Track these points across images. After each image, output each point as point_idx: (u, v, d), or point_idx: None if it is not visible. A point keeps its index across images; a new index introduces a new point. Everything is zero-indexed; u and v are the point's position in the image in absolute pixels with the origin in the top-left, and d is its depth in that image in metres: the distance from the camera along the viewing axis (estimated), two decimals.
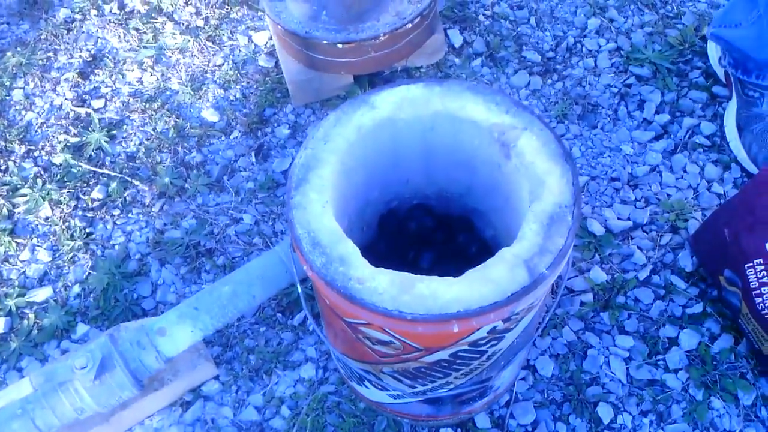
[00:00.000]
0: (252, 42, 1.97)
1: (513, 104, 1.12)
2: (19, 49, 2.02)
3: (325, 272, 0.97)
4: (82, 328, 1.53)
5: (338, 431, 1.37)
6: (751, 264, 1.31)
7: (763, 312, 1.30)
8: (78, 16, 2.08)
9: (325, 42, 1.64)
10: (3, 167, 1.79)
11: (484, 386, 1.23)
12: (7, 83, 1.95)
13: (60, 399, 1.25)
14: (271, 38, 1.94)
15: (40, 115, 1.89)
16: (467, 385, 1.18)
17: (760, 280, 1.29)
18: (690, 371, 1.41)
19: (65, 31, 2.05)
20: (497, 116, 1.11)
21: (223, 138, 1.79)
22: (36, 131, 1.86)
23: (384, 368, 1.14)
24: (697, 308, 1.47)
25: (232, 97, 1.86)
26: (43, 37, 2.05)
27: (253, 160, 1.74)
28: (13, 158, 1.81)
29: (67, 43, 2.02)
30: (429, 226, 1.39)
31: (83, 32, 2.04)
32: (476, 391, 1.24)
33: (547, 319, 1.22)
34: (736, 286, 1.37)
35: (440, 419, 1.35)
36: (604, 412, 1.37)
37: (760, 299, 1.29)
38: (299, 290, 1.16)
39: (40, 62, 1.99)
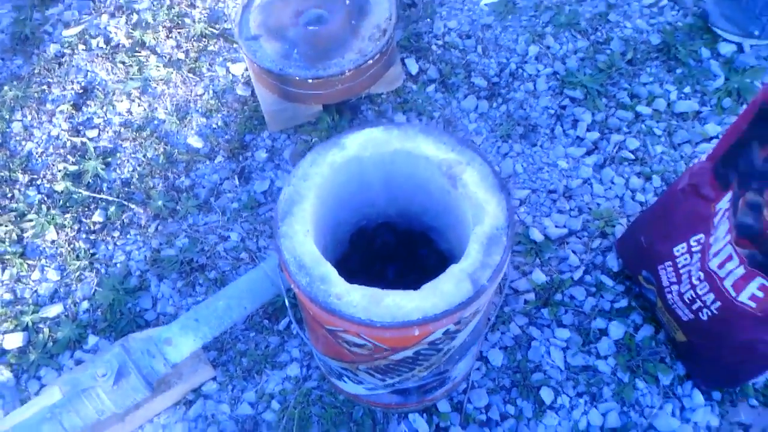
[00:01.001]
0: (230, 72, 2.18)
1: (458, 143, 1.35)
2: (15, 83, 2.20)
3: (309, 290, 1.19)
4: (92, 339, 1.74)
5: (322, 420, 1.60)
6: (663, 266, 1.56)
7: (673, 306, 1.55)
8: (67, 51, 2.27)
9: (297, 78, 1.86)
10: (9, 195, 1.98)
11: (443, 377, 1.47)
12: (7, 116, 2.13)
13: (84, 403, 1.46)
14: (246, 69, 2.15)
15: (39, 145, 2.08)
16: (429, 377, 1.42)
17: (669, 280, 1.55)
18: (618, 357, 1.67)
19: (56, 66, 2.24)
20: (445, 153, 1.34)
21: (208, 163, 2.00)
22: (37, 160, 2.05)
23: (359, 366, 1.37)
24: (623, 303, 1.73)
25: (214, 125, 2.07)
26: (36, 71, 2.23)
27: (236, 182, 1.96)
28: (17, 186, 2.00)
29: (59, 77, 2.21)
30: (393, 241, 1.63)
31: (73, 66, 2.23)
32: (437, 381, 1.48)
33: (494, 316, 1.46)
34: (652, 284, 1.62)
35: (408, 406, 1.59)
36: (546, 394, 1.62)
37: (671, 295, 1.55)
38: (286, 301, 1.39)
39: (36, 95, 2.17)
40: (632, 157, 1.96)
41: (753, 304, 1.33)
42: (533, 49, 2.17)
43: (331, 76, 1.87)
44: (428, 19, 2.26)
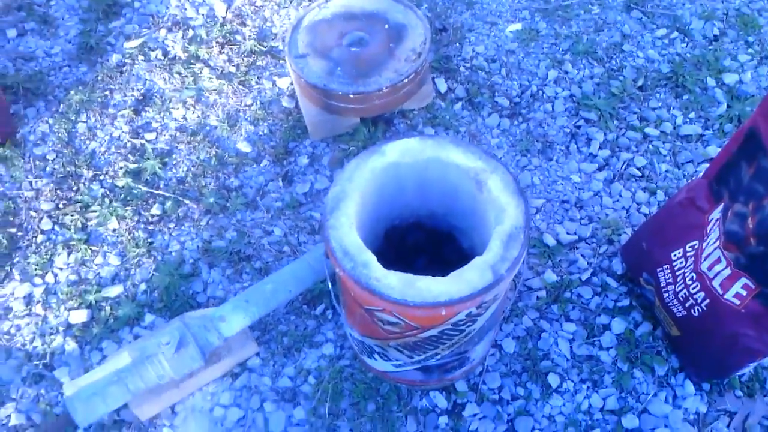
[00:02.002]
0: (276, 86, 2.40)
1: (484, 153, 1.56)
2: (80, 88, 2.43)
3: (353, 273, 1.40)
4: (149, 317, 1.95)
5: (353, 394, 1.81)
6: (661, 269, 1.76)
7: (669, 303, 1.75)
8: (128, 61, 2.50)
9: (339, 93, 2.08)
10: (75, 188, 2.21)
11: (463, 357, 1.67)
12: (73, 117, 2.36)
13: (147, 368, 1.67)
14: (291, 84, 2.37)
15: (102, 145, 2.30)
16: (450, 356, 1.62)
17: (666, 281, 1.74)
18: (618, 349, 1.86)
19: (118, 74, 2.47)
20: (473, 162, 1.55)
21: (255, 166, 2.22)
22: (100, 158, 2.27)
23: (390, 343, 1.58)
24: (625, 302, 1.93)
25: (261, 132, 2.29)
26: (99, 78, 2.46)
27: (280, 184, 2.18)
28: (83, 181, 2.22)
29: (121, 84, 2.44)
30: (422, 239, 1.84)
31: (134, 75, 2.47)
32: (457, 361, 1.68)
33: (509, 309, 1.66)
34: (651, 285, 1.82)
35: (430, 384, 1.79)
36: (553, 379, 1.82)
37: (667, 294, 1.75)
38: (329, 287, 1.60)
39: (99, 100, 2.41)
40: (639, 173, 2.16)
41: (737, 302, 1.53)
42: (552, 74, 2.39)
43: (369, 92, 2.08)
44: (457, 44, 2.48)
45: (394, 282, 1.39)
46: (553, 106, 2.32)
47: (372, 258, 1.42)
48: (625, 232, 2.04)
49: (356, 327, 1.65)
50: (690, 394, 1.79)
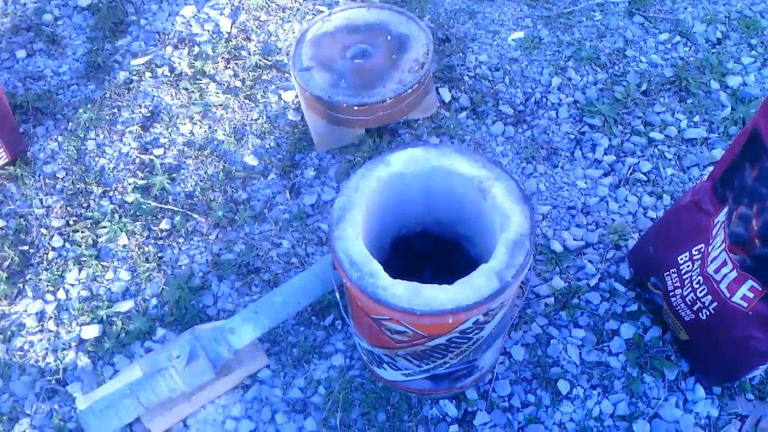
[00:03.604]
0: (281, 99, 2.42)
1: (488, 161, 1.57)
2: (88, 106, 2.46)
3: (360, 283, 1.41)
4: (160, 331, 1.97)
5: (363, 404, 1.81)
6: (668, 273, 1.76)
7: (677, 307, 1.75)
8: (135, 78, 2.53)
9: (344, 104, 2.10)
10: (85, 205, 2.23)
11: (472, 365, 1.68)
12: (82, 135, 2.39)
13: (159, 382, 1.69)
14: (297, 97, 2.39)
15: (111, 161, 2.33)
16: (459, 364, 1.63)
17: (674, 285, 1.75)
18: (628, 355, 1.86)
19: (126, 91, 2.50)
20: (477, 170, 1.56)
21: (262, 179, 2.24)
22: (109, 175, 2.30)
23: (399, 352, 1.59)
24: (634, 307, 1.93)
25: (268, 146, 2.31)
26: (107, 95, 2.49)
27: (288, 196, 2.20)
28: (92, 197, 2.24)
29: (129, 101, 2.47)
30: (428, 247, 1.85)
31: (141, 91, 2.49)
32: (466, 369, 1.69)
33: (517, 316, 1.67)
34: (659, 289, 1.82)
35: (440, 392, 1.80)
36: (563, 386, 1.82)
37: (675, 298, 1.75)
38: (337, 297, 1.61)
39: (107, 117, 2.43)
40: (645, 178, 2.17)
41: (744, 304, 1.53)
42: (556, 81, 2.40)
43: (374, 103, 2.10)
44: (461, 53, 2.50)
45: (401, 291, 1.40)
46: (557, 113, 2.33)
47: (378, 267, 1.44)
48: (632, 237, 2.04)
49: (365, 337, 1.66)
50: (701, 398, 1.78)
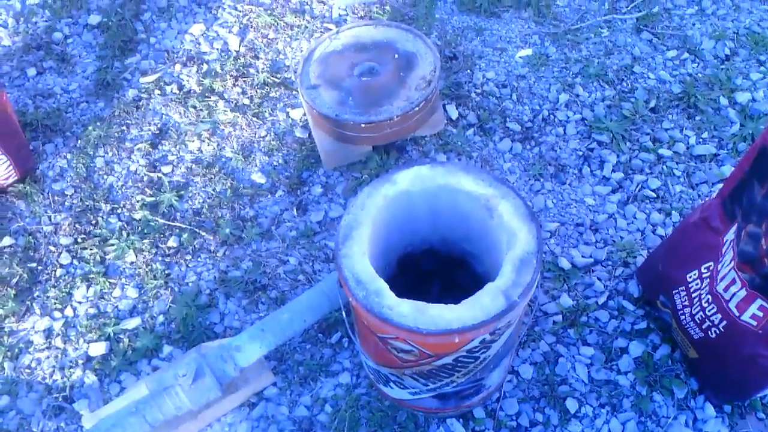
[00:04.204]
0: (289, 117, 2.43)
1: (494, 179, 1.56)
2: (98, 123, 2.47)
3: (366, 302, 1.41)
4: (167, 349, 1.96)
5: (370, 423, 1.80)
6: (677, 290, 1.75)
7: (686, 325, 1.73)
8: (144, 96, 2.54)
9: (351, 122, 2.10)
10: (93, 222, 2.24)
11: (479, 384, 1.66)
12: (91, 152, 2.40)
13: (165, 400, 1.68)
14: (304, 114, 2.40)
15: (119, 179, 2.33)
16: (466, 383, 1.62)
17: (683, 303, 1.73)
18: (637, 373, 1.84)
19: (135, 109, 2.51)
20: (483, 189, 1.55)
21: (269, 196, 2.24)
22: (117, 192, 2.30)
23: (405, 371, 1.58)
24: (643, 325, 1.92)
25: (275, 163, 2.32)
26: (116, 113, 2.50)
27: (295, 213, 2.20)
28: (101, 215, 2.25)
29: (137, 119, 2.48)
30: (435, 264, 1.84)
31: (150, 109, 2.51)
32: (473, 388, 1.67)
33: (524, 334, 1.66)
34: (668, 308, 1.81)
35: (447, 411, 1.79)
36: (571, 404, 1.81)
37: (684, 316, 1.73)
38: (343, 315, 1.60)
39: (116, 134, 2.44)
40: (654, 195, 2.16)
41: (754, 323, 1.52)
42: (564, 98, 2.40)
43: (381, 120, 2.10)
44: (468, 70, 2.50)
45: (407, 310, 1.39)
46: (564, 130, 2.33)
47: (384, 286, 1.43)
48: (640, 254, 2.03)
49: (371, 355, 1.65)
50: (711, 416, 1.76)
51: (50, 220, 2.23)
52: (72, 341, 2.00)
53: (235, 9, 2.78)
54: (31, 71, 2.62)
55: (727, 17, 2.66)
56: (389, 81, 2.17)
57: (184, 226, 2.20)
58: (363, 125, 2.10)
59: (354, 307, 1.48)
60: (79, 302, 2.07)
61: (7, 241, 2.18)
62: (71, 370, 1.95)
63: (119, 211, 2.26)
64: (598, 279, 2.00)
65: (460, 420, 1.80)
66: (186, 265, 2.12)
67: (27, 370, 1.96)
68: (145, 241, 2.18)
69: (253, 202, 2.24)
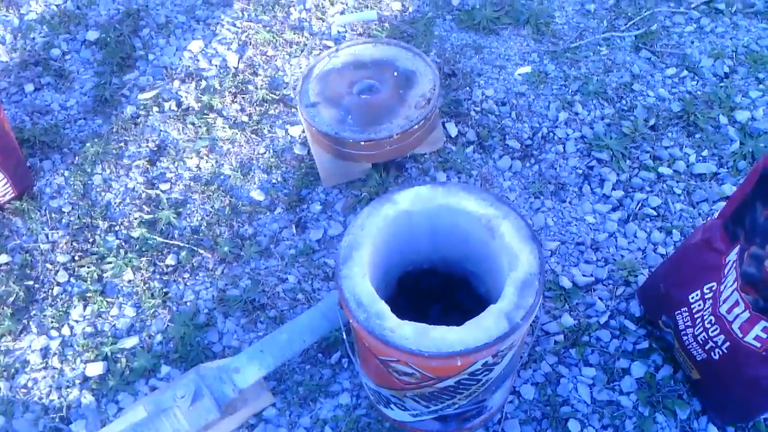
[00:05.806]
0: (288, 134, 2.42)
1: (495, 199, 1.56)
2: (95, 140, 2.46)
3: (367, 324, 1.39)
4: (165, 369, 1.95)
5: None
6: (680, 311, 1.74)
7: (688, 346, 1.72)
8: (143, 112, 2.53)
9: (351, 140, 2.10)
10: (91, 240, 2.22)
11: (481, 406, 1.65)
12: (89, 169, 2.39)
13: (163, 422, 1.66)
14: (303, 131, 2.39)
15: (117, 196, 2.32)
16: (468, 405, 1.60)
17: (685, 323, 1.72)
18: (639, 394, 1.83)
19: (133, 125, 2.50)
20: (484, 208, 1.55)
21: (268, 214, 2.23)
22: (115, 209, 2.29)
23: (407, 393, 1.56)
24: (645, 345, 1.90)
25: (274, 180, 2.31)
26: (114, 130, 2.49)
27: (294, 231, 2.18)
28: (98, 232, 2.24)
29: (135, 135, 2.47)
30: (436, 285, 1.83)
31: (148, 126, 2.50)
32: (475, 410, 1.66)
33: (526, 354, 1.64)
34: (670, 328, 1.80)
35: None
36: (574, 426, 1.79)
37: (686, 337, 1.72)
38: (343, 336, 1.59)
39: (114, 151, 2.43)
40: (654, 213, 2.15)
41: (758, 344, 1.51)
42: (563, 115, 2.40)
43: (381, 138, 2.09)
44: (467, 88, 2.50)
45: (408, 332, 1.38)
46: (564, 148, 2.32)
47: (385, 308, 1.42)
48: (641, 273, 2.02)
49: (371, 377, 1.64)
50: None
51: (47, 237, 2.22)
52: (69, 361, 1.98)
53: (234, 26, 2.78)
54: (29, 87, 2.61)
55: (725, 35, 2.67)
56: (389, 99, 2.16)
57: (182, 244, 2.18)
58: (362, 143, 2.10)
59: (355, 329, 1.47)
60: (76, 321, 2.05)
61: (4, 258, 2.17)
62: (68, 390, 1.93)
63: (117, 228, 2.25)
64: (600, 298, 1.99)
65: None
66: (184, 284, 2.11)
67: (23, 390, 1.93)
68: (143, 259, 2.16)
69: (251, 219, 2.23)
